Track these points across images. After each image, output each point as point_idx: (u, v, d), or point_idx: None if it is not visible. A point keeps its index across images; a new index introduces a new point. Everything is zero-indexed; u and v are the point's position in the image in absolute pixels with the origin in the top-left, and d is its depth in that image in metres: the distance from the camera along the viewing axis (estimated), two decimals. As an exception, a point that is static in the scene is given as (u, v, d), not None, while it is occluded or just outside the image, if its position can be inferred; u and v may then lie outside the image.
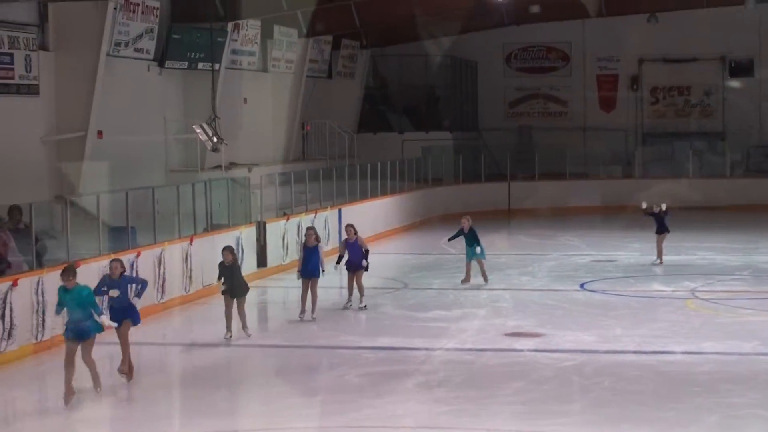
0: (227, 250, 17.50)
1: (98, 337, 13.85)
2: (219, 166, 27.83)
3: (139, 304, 15.45)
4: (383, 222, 31.89)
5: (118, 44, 24.34)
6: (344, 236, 20.92)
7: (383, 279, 23.59)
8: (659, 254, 25.18)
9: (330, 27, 34.76)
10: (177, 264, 20.37)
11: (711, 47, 42.79)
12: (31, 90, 22.33)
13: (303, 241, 19.67)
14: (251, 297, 21.00)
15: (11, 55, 21.66)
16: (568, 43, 44.31)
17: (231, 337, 17.24)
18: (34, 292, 16.16)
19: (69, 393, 13.36)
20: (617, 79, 44.26)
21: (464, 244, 22.57)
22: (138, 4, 24.83)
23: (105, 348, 14.77)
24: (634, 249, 26.81)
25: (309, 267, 18.95)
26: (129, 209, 19.53)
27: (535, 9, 40.12)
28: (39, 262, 17.10)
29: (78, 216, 19.03)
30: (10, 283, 15.87)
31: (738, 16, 40.60)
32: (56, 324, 13.86)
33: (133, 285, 15.25)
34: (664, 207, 25.02)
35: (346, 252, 20.04)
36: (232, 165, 28.97)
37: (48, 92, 22.97)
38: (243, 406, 14.10)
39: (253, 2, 29.13)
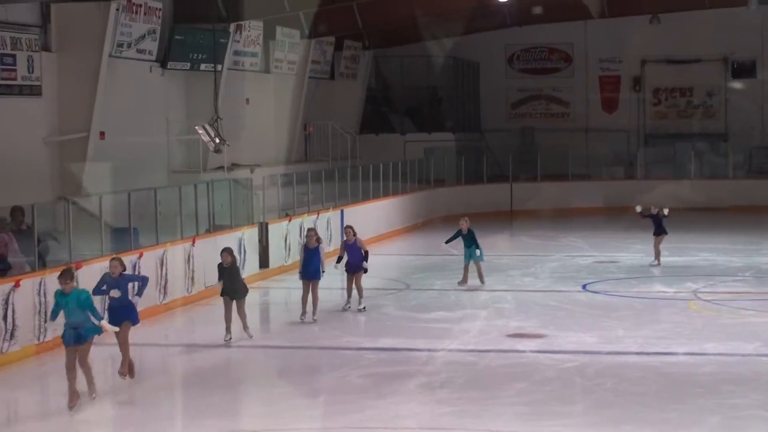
0: (226, 251, 17.49)
1: (98, 338, 13.83)
2: (221, 167, 27.84)
3: (141, 304, 15.43)
4: (385, 223, 31.90)
5: (120, 45, 24.36)
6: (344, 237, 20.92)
7: (385, 280, 23.59)
8: (657, 256, 25.22)
9: (332, 28, 34.76)
10: (179, 265, 20.37)
11: (713, 48, 42.79)
12: (34, 91, 22.33)
13: (304, 242, 19.64)
14: (254, 298, 21.01)
15: (14, 56, 21.66)
16: (571, 44, 44.32)
17: (230, 339, 17.20)
18: (36, 293, 16.16)
19: (74, 397, 13.32)
20: (619, 80, 44.27)
21: (463, 245, 22.55)
22: (140, 5, 24.83)
23: (106, 349, 14.75)
24: (636, 250, 26.79)
25: (310, 269, 18.92)
26: (131, 210, 19.55)
27: (537, 10, 40.13)
28: (42, 263, 17.11)
29: (80, 217, 19.02)
30: (13, 284, 15.87)
31: (740, 17, 40.59)
32: (57, 325, 13.80)
33: (134, 284, 15.20)
34: (666, 212, 25.04)
35: (346, 254, 20.02)
36: (234, 166, 28.98)
37: (50, 93, 22.97)
38: (245, 407, 14.10)
39: (256, 3, 29.14)
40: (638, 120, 44.11)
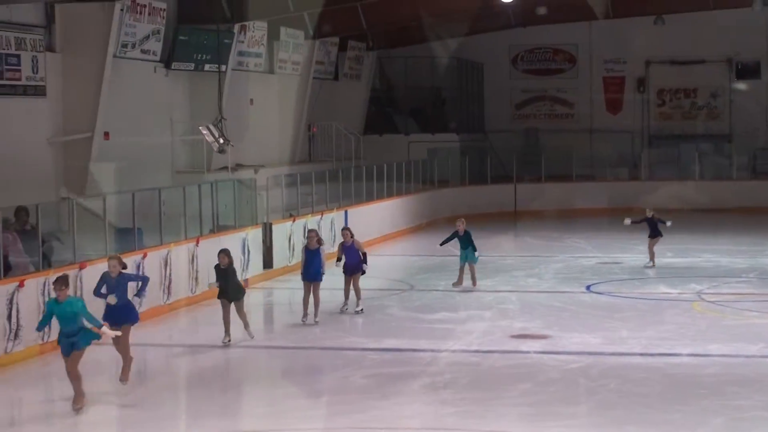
0: (223, 252, 17.45)
1: (101, 339, 13.79)
2: (225, 168, 27.84)
3: (145, 304, 15.43)
4: (389, 224, 31.89)
5: (124, 45, 24.37)
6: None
7: (389, 281, 23.60)
8: (651, 257, 25.29)
9: (336, 29, 34.76)
10: (183, 265, 20.38)
11: (718, 49, 42.75)
12: (38, 91, 22.34)
13: (304, 243, 19.59)
14: (257, 298, 21.05)
15: (18, 56, 21.67)
16: (575, 45, 44.29)
17: (229, 341, 17.14)
18: (40, 293, 16.17)
19: (79, 398, 13.27)
20: (624, 81, 44.23)
21: (459, 247, 22.48)
22: (145, 6, 24.85)
23: (110, 349, 14.72)
24: (640, 251, 26.75)
25: (311, 270, 18.88)
26: (135, 210, 19.57)
27: (541, 11, 40.10)
28: (46, 263, 17.13)
29: (84, 217, 19.04)
30: (17, 284, 15.89)
31: (745, 18, 40.51)
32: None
33: (134, 283, 15.16)
34: (668, 223, 25.10)
35: (344, 255, 19.95)
36: (238, 166, 28.99)
37: (55, 93, 22.98)
38: (248, 407, 14.10)
39: (260, 4, 29.14)
40: (642, 121, 44.07)
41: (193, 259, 20.69)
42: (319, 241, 19.11)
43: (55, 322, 13.50)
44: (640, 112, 44.07)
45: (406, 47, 41.27)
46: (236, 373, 16.26)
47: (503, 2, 37.42)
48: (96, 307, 14.47)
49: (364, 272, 19.86)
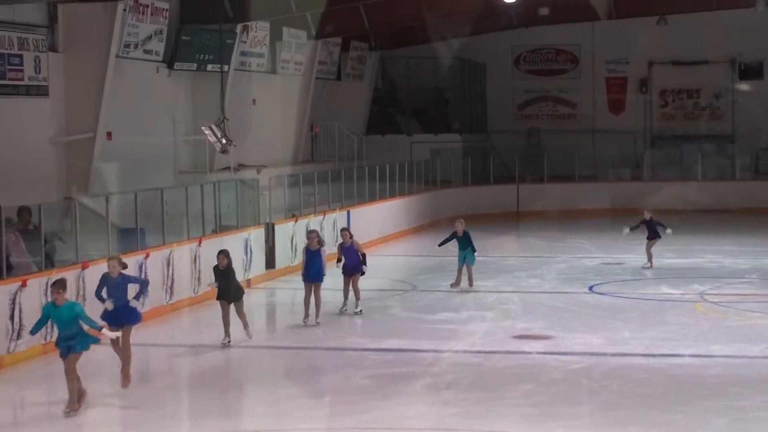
0: (222, 253, 17.41)
1: (102, 340, 13.78)
2: (228, 168, 27.85)
3: (147, 304, 15.41)
4: (392, 224, 31.89)
5: (127, 46, 24.38)
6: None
7: (392, 281, 23.60)
8: (649, 258, 25.29)
9: (339, 29, 34.77)
10: (185, 265, 20.38)
11: (721, 50, 42.74)
12: (41, 91, 22.36)
13: (305, 244, 19.57)
14: (260, 298, 21.04)
15: (21, 56, 21.68)
16: (578, 46, 44.28)
17: (229, 342, 17.09)
18: (42, 293, 16.16)
19: (81, 397, 13.26)
20: (626, 81, 44.22)
21: (458, 247, 22.46)
22: (147, 6, 24.85)
23: (108, 350, 14.70)
24: (643, 252, 26.69)
25: (312, 271, 18.84)
26: (138, 210, 19.56)
27: (544, 11, 40.11)
28: (49, 263, 17.12)
29: (87, 217, 19.04)
30: (20, 284, 15.90)
31: (748, 18, 40.45)
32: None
33: (134, 285, 15.13)
34: (669, 231, 25.12)
35: (343, 256, 19.92)
36: (240, 166, 29.00)
37: (57, 93, 23.00)
38: (249, 407, 14.10)
39: (262, 4, 29.16)
40: (645, 121, 44.06)
41: (195, 260, 20.69)
42: (320, 242, 19.08)
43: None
44: (642, 112, 44.05)
45: (409, 47, 41.28)
46: (238, 373, 16.26)
47: (506, 2, 37.42)
48: (96, 309, 14.48)
49: (363, 273, 19.84)
